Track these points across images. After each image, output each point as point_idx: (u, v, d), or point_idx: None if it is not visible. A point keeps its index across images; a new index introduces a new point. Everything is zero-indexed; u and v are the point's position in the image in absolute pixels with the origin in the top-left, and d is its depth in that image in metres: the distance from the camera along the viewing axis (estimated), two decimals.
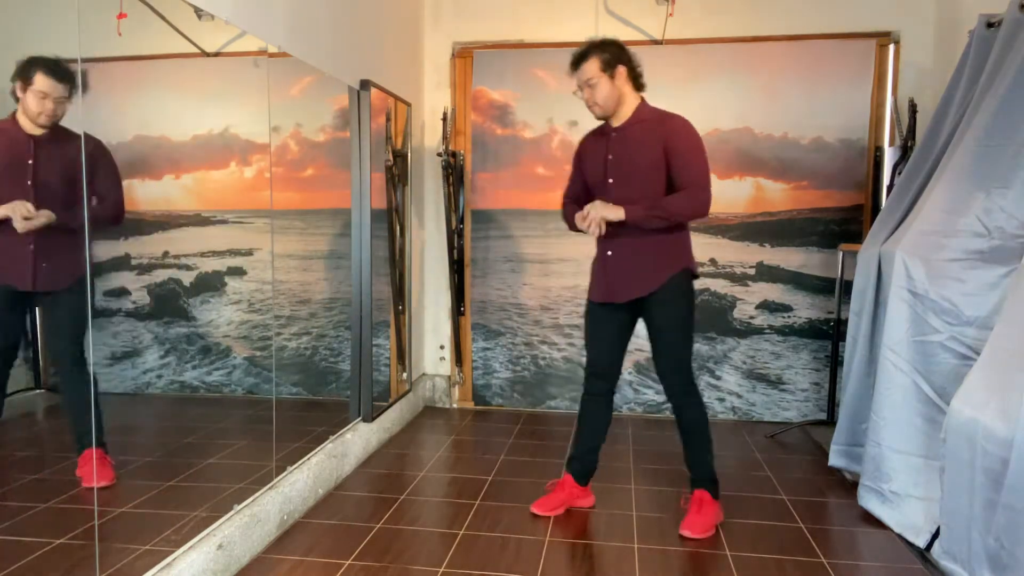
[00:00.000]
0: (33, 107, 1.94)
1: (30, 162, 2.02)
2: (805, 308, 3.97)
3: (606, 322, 2.70)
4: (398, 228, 3.79)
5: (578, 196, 2.73)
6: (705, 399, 4.01)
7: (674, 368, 2.62)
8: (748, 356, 4.03)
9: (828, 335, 3.90)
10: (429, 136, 4.21)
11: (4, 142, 2.00)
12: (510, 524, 2.63)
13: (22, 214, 1.88)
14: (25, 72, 1.90)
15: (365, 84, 3.25)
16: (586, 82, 2.56)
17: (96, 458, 2.00)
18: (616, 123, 2.62)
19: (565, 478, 2.81)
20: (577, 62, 2.57)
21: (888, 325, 2.61)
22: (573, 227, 2.66)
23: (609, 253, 2.63)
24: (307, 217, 3.22)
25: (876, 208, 3.77)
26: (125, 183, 2.21)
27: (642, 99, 2.63)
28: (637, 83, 2.61)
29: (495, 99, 4.13)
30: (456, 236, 4.14)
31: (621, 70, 2.55)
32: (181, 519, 2.15)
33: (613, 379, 2.78)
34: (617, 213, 2.49)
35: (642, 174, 2.55)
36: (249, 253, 2.70)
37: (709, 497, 2.62)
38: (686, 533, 2.54)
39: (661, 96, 3.90)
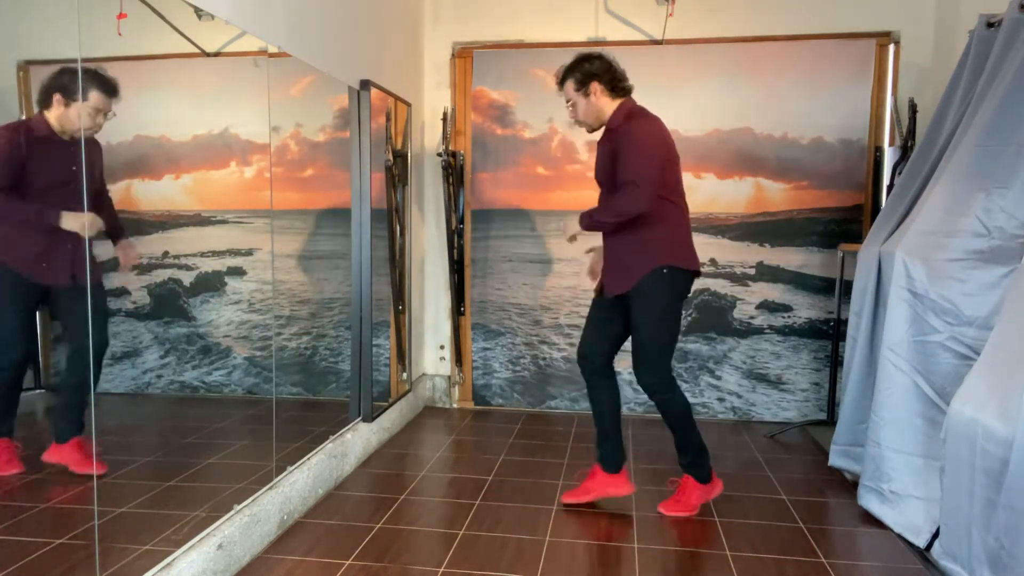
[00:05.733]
0: (88, 122, 1.96)
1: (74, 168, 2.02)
2: (805, 308, 3.97)
3: (595, 309, 2.84)
4: (398, 228, 3.79)
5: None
6: (705, 399, 4.05)
7: (641, 363, 2.66)
8: (748, 356, 4.03)
9: (828, 335, 3.90)
10: (429, 136, 4.21)
11: (51, 148, 1.98)
12: (510, 524, 2.63)
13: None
14: (70, 86, 1.90)
15: (365, 84, 3.24)
16: (567, 103, 2.75)
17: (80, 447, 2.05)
18: (599, 133, 2.76)
19: (594, 468, 2.82)
20: (560, 84, 2.74)
21: (888, 325, 2.61)
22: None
23: (602, 249, 2.77)
24: (307, 217, 3.22)
25: (876, 208, 3.77)
26: (125, 183, 2.21)
27: (620, 104, 2.69)
28: (616, 91, 2.69)
29: (495, 99, 4.13)
30: (456, 236, 4.14)
31: (594, 86, 2.66)
32: (181, 519, 2.15)
33: (594, 362, 2.79)
34: (575, 225, 2.68)
35: (608, 181, 2.68)
36: (249, 253, 2.70)
37: (692, 481, 2.73)
38: (660, 510, 2.75)
39: (661, 96, 3.92)
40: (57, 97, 1.94)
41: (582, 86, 2.68)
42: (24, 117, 1.97)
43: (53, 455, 2.08)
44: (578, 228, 2.67)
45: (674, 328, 2.69)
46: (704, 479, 2.73)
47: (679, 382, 4.03)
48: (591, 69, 2.67)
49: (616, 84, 2.68)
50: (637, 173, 2.50)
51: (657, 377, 2.65)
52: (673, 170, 2.66)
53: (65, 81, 1.92)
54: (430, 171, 4.21)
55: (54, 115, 1.96)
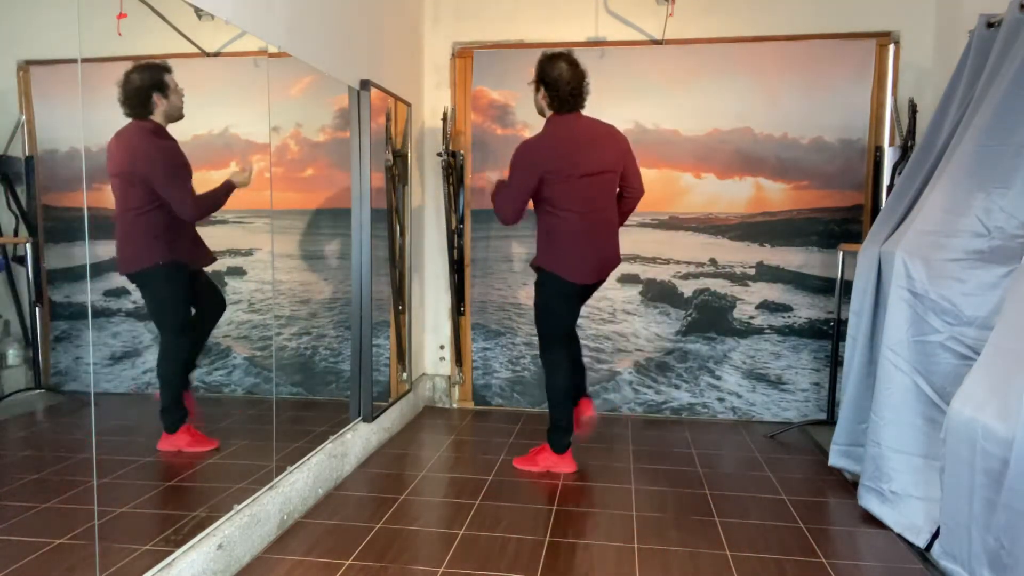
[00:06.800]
0: (180, 104, 2.16)
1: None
2: (805, 308, 3.97)
3: None
4: (398, 228, 3.79)
5: None
6: (705, 399, 4.05)
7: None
8: (748, 356, 4.03)
9: (828, 335, 3.90)
10: (429, 136, 4.21)
11: (177, 148, 2.19)
12: (510, 524, 2.63)
13: None
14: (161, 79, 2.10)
15: (365, 84, 3.24)
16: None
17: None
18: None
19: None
20: None
21: (888, 325, 2.61)
22: None
23: None
24: (307, 217, 3.22)
25: (876, 208, 3.77)
26: None
27: (551, 116, 2.99)
28: (552, 105, 2.96)
29: (495, 99, 4.13)
30: (456, 236, 4.14)
31: (542, 90, 2.96)
32: (181, 519, 2.16)
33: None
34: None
35: None
36: (249, 253, 2.70)
37: (547, 447, 3.21)
38: (514, 463, 3.26)
39: (661, 96, 3.93)
40: (156, 95, 2.09)
41: (536, 83, 2.98)
42: (24, 117, 1.97)
43: (166, 443, 2.36)
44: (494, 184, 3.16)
45: (544, 314, 3.13)
46: (555, 450, 3.18)
47: (679, 381, 4.07)
48: (545, 75, 2.92)
49: (555, 99, 2.93)
50: (498, 195, 3.02)
51: (539, 342, 3.21)
52: (564, 183, 2.90)
53: (154, 77, 2.07)
54: (430, 171, 4.21)
55: (161, 111, 2.09)
